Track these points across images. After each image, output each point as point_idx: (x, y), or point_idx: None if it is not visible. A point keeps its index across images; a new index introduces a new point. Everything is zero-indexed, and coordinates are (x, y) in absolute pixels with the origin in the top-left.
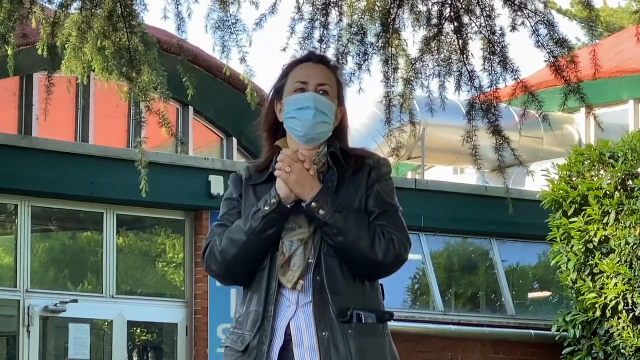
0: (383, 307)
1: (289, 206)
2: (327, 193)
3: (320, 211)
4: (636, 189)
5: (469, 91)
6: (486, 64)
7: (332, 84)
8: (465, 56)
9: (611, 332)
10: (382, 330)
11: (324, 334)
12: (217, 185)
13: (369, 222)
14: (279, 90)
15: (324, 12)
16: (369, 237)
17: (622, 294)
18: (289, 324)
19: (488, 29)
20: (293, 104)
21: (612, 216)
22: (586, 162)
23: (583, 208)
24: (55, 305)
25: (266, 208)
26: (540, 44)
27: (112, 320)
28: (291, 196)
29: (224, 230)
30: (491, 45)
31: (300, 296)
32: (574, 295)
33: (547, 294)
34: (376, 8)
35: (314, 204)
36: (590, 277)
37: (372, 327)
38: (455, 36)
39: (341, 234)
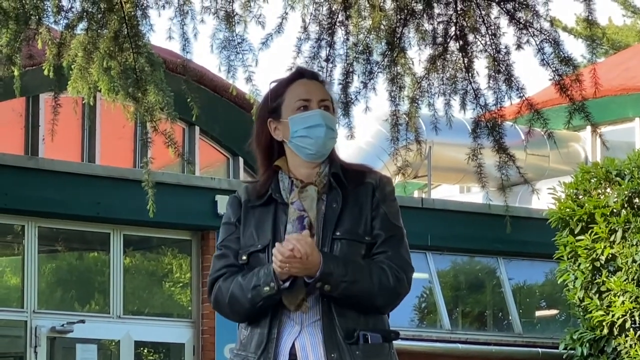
0: (388, 326)
1: (287, 285)
2: (330, 265)
3: (326, 286)
4: None
5: (474, 109)
6: (491, 82)
7: (329, 98)
8: (470, 74)
9: (618, 349)
10: (388, 350)
11: (332, 355)
12: (223, 204)
13: (373, 264)
14: (274, 110)
15: (330, 31)
16: (375, 289)
17: (629, 311)
18: (293, 343)
19: (493, 47)
20: (301, 122)
21: (619, 234)
22: (592, 180)
23: (590, 226)
24: (62, 325)
25: (265, 289)
26: (545, 62)
27: (119, 340)
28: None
29: (225, 263)
30: (496, 64)
31: (304, 316)
32: (581, 313)
33: (554, 312)
34: (382, 27)
35: (319, 283)
36: (597, 295)
37: (378, 348)
38: (461, 54)
39: (348, 299)
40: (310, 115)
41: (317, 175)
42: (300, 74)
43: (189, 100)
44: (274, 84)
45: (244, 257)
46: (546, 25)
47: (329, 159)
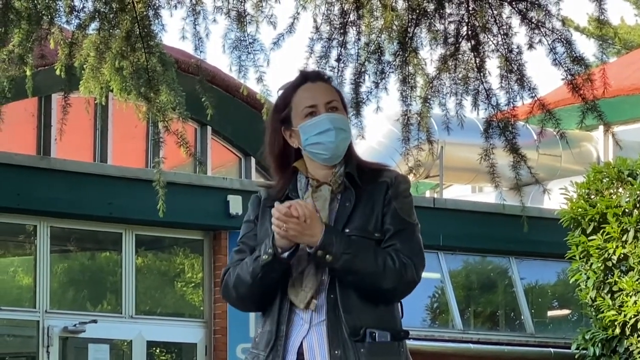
0: (399, 325)
1: (285, 255)
2: (332, 236)
3: (327, 256)
4: None
5: (486, 109)
6: (503, 82)
7: (336, 97)
8: (482, 74)
9: (631, 349)
10: (397, 348)
11: (336, 352)
12: (235, 204)
13: (379, 248)
14: (285, 119)
15: (342, 31)
16: (379, 269)
17: None
18: (301, 342)
19: (505, 47)
20: (311, 130)
21: (631, 234)
22: (604, 180)
23: (602, 226)
24: (75, 325)
25: (264, 256)
26: (557, 62)
27: (131, 340)
28: (291, 244)
29: (241, 257)
30: (508, 63)
31: (313, 315)
32: (593, 313)
33: (566, 311)
34: (393, 27)
35: (319, 252)
36: (609, 295)
37: (386, 346)
38: (472, 54)
39: (350, 274)
40: (318, 121)
41: (333, 175)
42: (304, 79)
43: (203, 100)
44: (282, 91)
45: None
46: (558, 24)
47: (345, 157)
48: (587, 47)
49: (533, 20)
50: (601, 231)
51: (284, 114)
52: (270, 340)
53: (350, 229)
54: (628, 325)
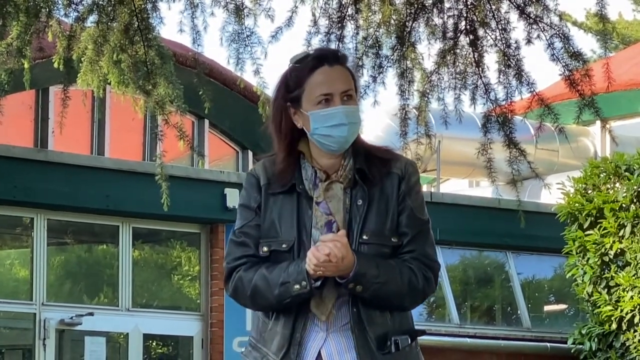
0: (413, 323)
1: (317, 284)
2: (363, 269)
3: (358, 287)
4: None
5: (484, 104)
6: (501, 76)
7: (351, 84)
8: (480, 69)
9: (627, 344)
10: (415, 349)
11: None
12: (232, 198)
13: (403, 265)
14: (295, 99)
15: (340, 25)
16: (404, 291)
17: (638, 306)
18: (319, 351)
19: (503, 41)
20: (323, 120)
21: (628, 229)
22: (602, 175)
23: (599, 221)
24: (71, 318)
25: (296, 287)
26: (555, 57)
27: (127, 333)
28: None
29: (245, 252)
30: (506, 58)
31: (329, 323)
32: (590, 308)
33: (562, 306)
34: (391, 21)
35: (350, 285)
36: (606, 290)
37: (407, 351)
38: (471, 49)
39: (377, 299)
40: (333, 113)
41: (342, 169)
42: (320, 60)
43: (201, 93)
44: (294, 68)
45: (265, 249)
46: (556, 19)
47: (352, 148)
48: (584, 42)
49: (531, 15)
50: (598, 226)
51: (295, 93)
52: (284, 346)
53: (367, 235)
54: (624, 321)
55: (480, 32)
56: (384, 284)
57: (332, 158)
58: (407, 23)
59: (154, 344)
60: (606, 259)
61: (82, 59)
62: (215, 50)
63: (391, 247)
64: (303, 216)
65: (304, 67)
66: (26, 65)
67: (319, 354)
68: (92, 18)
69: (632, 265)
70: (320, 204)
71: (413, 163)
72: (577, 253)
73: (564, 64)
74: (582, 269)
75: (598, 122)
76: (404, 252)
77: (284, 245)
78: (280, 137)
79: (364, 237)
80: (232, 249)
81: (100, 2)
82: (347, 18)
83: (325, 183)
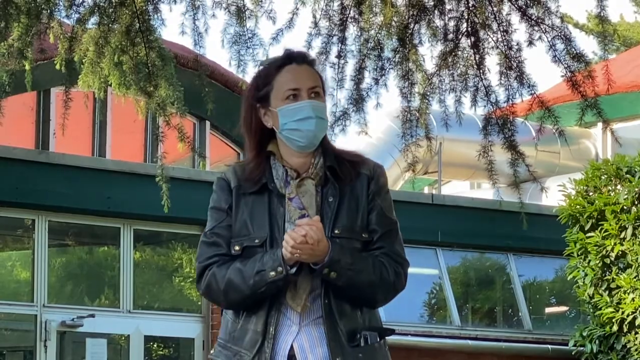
0: (381, 322)
1: (293, 271)
2: (338, 255)
3: (332, 273)
4: None
5: (485, 106)
6: (502, 78)
7: (318, 82)
8: (481, 71)
9: (628, 347)
10: (384, 347)
11: (337, 359)
12: None
13: (375, 259)
14: (263, 97)
15: (341, 27)
16: (376, 282)
17: (639, 308)
18: (292, 345)
19: (505, 43)
20: (291, 115)
21: (629, 231)
22: (603, 177)
23: (600, 223)
24: (72, 319)
25: (271, 273)
26: (556, 58)
27: (129, 335)
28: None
29: (217, 251)
30: (508, 60)
31: (302, 315)
32: (591, 310)
33: (564, 308)
34: (393, 23)
35: (325, 270)
36: (607, 292)
37: (376, 347)
38: (472, 51)
39: (350, 288)
40: (300, 107)
41: (313, 167)
42: (289, 59)
43: (203, 95)
44: (264, 69)
45: (237, 248)
46: (557, 21)
47: (322, 147)
48: (586, 44)
49: (533, 17)
50: (599, 228)
51: (263, 92)
52: (257, 341)
53: (339, 229)
54: (626, 323)
55: (482, 34)
56: (357, 272)
57: (301, 157)
58: (408, 25)
59: (155, 345)
60: (607, 261)
61: (84, 60)
62: (217, 52)
63: (362, 242)
64: (275, 213)
65: (272, 66)
66: (27, 67)
67: (292, 347)
68: (94, 20)
69: (633, 267)
70: (293, 199)
71: (381, 166)
72: (578, 255)
73: (566, 66)
74: (583, 271)
75: (599, 124)
76: (374, 248)
77: (256, 241)
78: (250, 136)
79: (336, 231)
80: (203, 250)
81: (102, 4)
82: (349, 20)
83: (297, 180)
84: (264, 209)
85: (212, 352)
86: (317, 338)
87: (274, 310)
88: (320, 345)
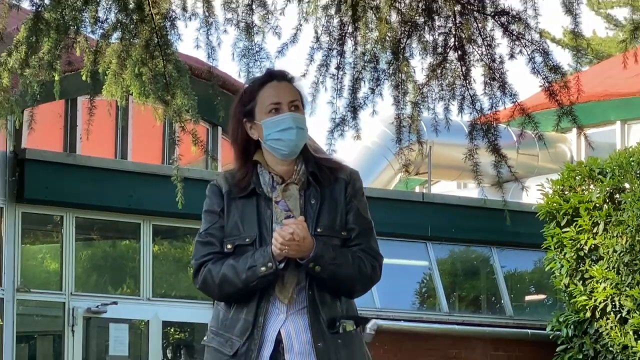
0: (358, 313)
1: (282, 266)
2: (322, 250)
3: (317, 267)
4: (623, 202)
5: (471, 113)
6: (487, 88)
7: (297, 97)
8: (467, 81)
9: (600, 331)
10: (358, 333)
11: (319, 344)
12: None
13: (354, 254)
14: (249, 112)
15: (340, 41)
16: (356, 275)
17: (610, 296)
18: (279, 331)
19: (488, 56)
20: (273, 126)
21: (601, 226)
22: (577, 178)
23: (574, 219)
24: (97, 306)
25: (262, 269)
26: (535, 70)
27: (148, 321)
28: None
29: (211, 250)
30: (491, 72)
31: (289, 306)
32: (567, 298)
33: (542, 296)
34: (387, 38)
35: (311, 264)
36: (581, 282)
37: (353, 335)
38: (459, 63)
39: (332, 280)
40: (282, 119)
41: (296, 173)
42: (270, 77)
43: (215, 103)
44: (248, 86)
45: (229, 246)
46: (536, 36)
47: (303, 156)
48: (562, 57)
49: (514, 32)
50: (574, 224)
51: (248, 106)
52: (247, 329)
53: (321, 228)
54: (598, 309)
55: (468, 48)
56: (339, 265)
57: (285, 165)
58: (401, 40)
59: (172, 330)
60: (581, 253)
61: (107, 72)
62: (228, 64)
63: (341, 239)
64: (263, 215)
65: (255, 83)
66: (56, 78)
67: (279, 333)
68: (116, 35)
69: (604, 260)
70: (280, 202)
71: (357, 172)
72: (555, 248)
73: (543, 77)
74: (559, 262)
75: (574, 130)
76: (352, 245)
77: (247, 240)
78: (237, 147)
79: (318, 230)
80: (199, 249)
81: (124, 20)
82: (347, 35)
83: (283, 185)
84: (253, 211)
85: (205, 338)
86: (302, 326)
87: (263, 302)
88: (304, 332)
